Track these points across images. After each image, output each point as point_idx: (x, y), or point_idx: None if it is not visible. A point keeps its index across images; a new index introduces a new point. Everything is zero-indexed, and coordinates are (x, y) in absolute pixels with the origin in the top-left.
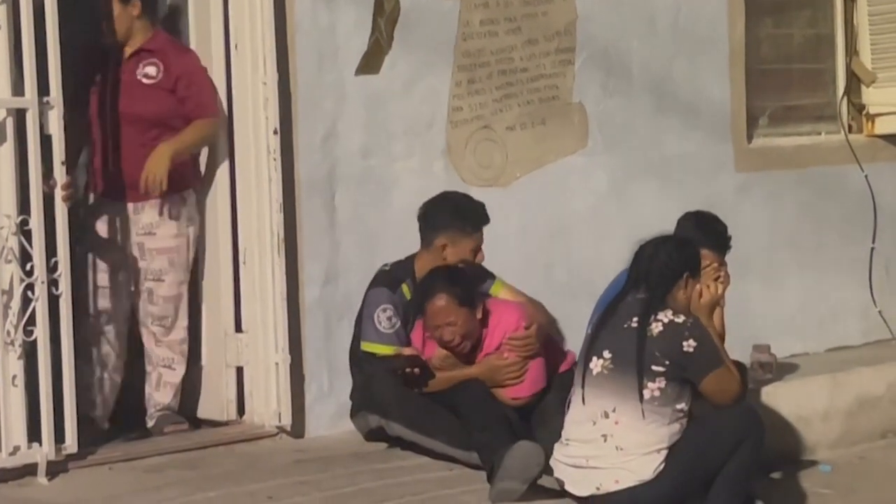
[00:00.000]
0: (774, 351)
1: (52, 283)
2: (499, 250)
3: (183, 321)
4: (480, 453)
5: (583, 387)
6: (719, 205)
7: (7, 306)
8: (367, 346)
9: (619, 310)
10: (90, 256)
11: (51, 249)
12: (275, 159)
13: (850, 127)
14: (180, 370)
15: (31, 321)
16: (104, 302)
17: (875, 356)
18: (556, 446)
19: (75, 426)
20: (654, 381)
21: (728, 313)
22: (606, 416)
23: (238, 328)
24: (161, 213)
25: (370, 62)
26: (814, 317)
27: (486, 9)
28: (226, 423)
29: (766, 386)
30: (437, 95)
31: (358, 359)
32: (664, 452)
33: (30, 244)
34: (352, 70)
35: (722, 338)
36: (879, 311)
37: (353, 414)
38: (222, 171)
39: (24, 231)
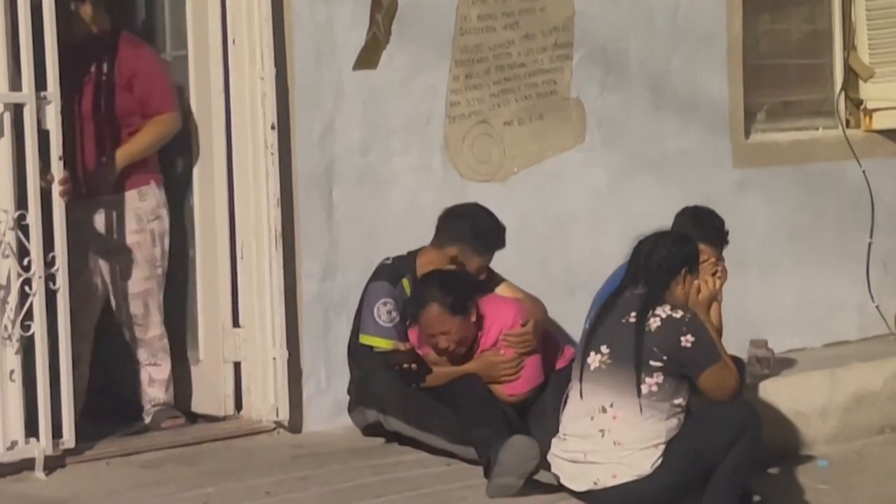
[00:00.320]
0: (772, 346)
1: (50, 277)
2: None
3: (156, 317)
4: (477, 449)
5: (581, 381)
6: (717, 200)
7: (4, 301)
8: (365, 339)
9: (617, 305)
10: None
11: (48, 244)
12: (272, 154)
13: (847, 122)
14: (166, 366)
15: (29, 316)
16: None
17: (873, 351)
18: (554, 441)
19: (73, 421)
20: (651, 376)
21: (725, 308)
22: (604, 410)
23: (236, 323)
24: (118, 211)
25: (368, 57)
26: (811, 312)
27: (483, 4)
28: (223, 419)
29: (764, 381)
30: (434, 91)
31: (356, 352)
32: (662, 447)
33: (27, 239)
34: (349, 65)
35: (719, 333)
36: (877, 307)
37: (351, 409)
38: (220, 167)
39: (21, 226)
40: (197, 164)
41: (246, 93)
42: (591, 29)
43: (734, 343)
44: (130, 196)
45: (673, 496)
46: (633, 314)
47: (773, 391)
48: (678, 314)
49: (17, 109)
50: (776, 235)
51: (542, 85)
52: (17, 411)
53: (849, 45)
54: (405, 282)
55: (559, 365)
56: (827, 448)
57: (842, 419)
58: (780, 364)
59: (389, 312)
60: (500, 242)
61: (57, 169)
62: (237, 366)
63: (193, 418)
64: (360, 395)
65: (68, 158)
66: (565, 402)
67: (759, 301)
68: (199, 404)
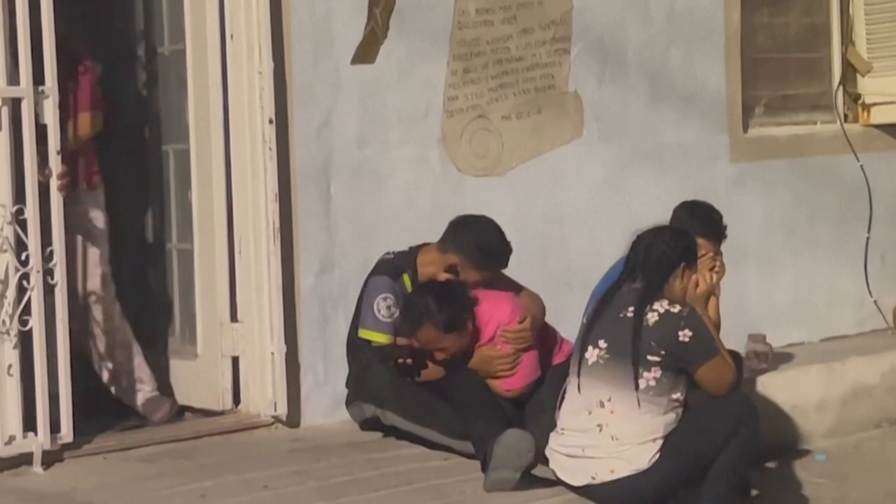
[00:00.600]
0: (770, 340)
1: (48, 272)
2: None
3: (114, 322)
4: (474, 443)
5: (578, 376)
6: (715, 194)
7: (2, 296)
8: (364, 333)
9: (614, 299)
10: None
11: (46, 239)
12: (270, 149)
13: (845, 116)
14: (139, 359)
15: (27, 310)
16: None
17: (870, 345)
18: (552, 436)
19: (71, 416)
20: (649, 370)
21: (723, 303)
22: (602, 405)
23: (234, 318)
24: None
25: (366, 52)
26: (809, 306)
27: None
28: (221, 413)
29: (762, 375)
30: (432, 85)
31: (354, 346)
32: (660, 442)
33: (25, 234)
34: (347, 59)
35: (717, 327)
36: (875, 301)
37: (349, 403)
38: (218, 161)
39: (19, 220)
40: (195, 160)
41: (244, 87)
42: (589, 23)
43: (732, 337)
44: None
45: (671, 491)
46: (631, 309)
47: (771, 385)
48: (676, 309)
49: (15, 104)
50: (774, 229)
51: (540, 79)
52: (15, 406)
53: (847, 40)
54: (406, 277)
55: (557, 360)
56: (824, 442)
57: (839, 413)
58: (778, 358)
59: (389, 307)
60: (502, 262)
61: (55, 163)
62: (235, 360)
63: (180, 412)
64: (357, 390)
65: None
66: (563, 397)
67: (756, 295)
68: (197, 398)
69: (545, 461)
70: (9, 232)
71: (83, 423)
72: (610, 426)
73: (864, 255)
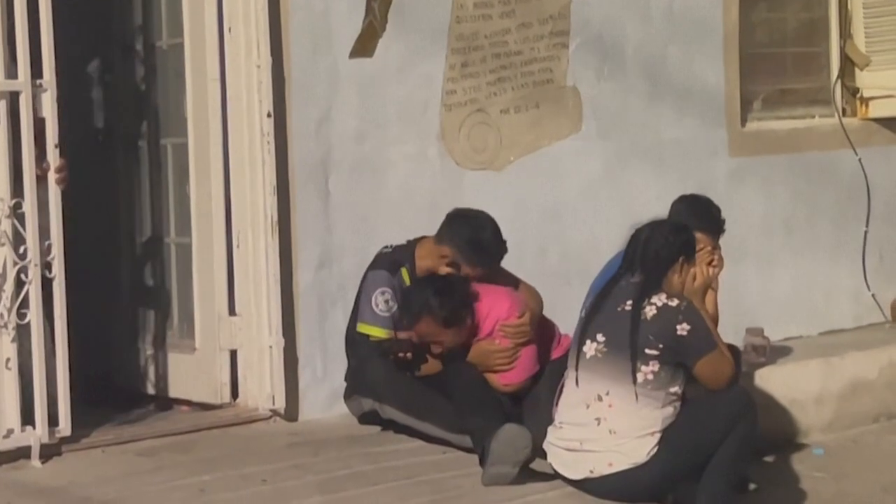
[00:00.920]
0: (768, 334)
1: (46, 265)
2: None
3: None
4: (472, 438)
5: (576, 370)
6: (713, 188)
7: (0, 289)
8: (362, 328)
9: (613, 293)
10: None
11: (44, 233)
12: (268, 143)
13: (843, 110)
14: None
15: (25, 304)
16: None
17: (868, 340)
18: (550, 429)
19: (69, 409)
20: (647, 364)
21: (722, 297)
22: (600, 399)
23: (232, 311)
24: None
25: (364, 45)
26: (807, 300)
27: None
28: (219, 407)
29: (760, 369)
30: (431, 79)
31: (353, 340)
32: (658, 436)
33: (23, 227)
34: (346, 53)
35: (715, 321)
36: (873, 295)
37: (347, 397)
38: (216, 155)
39: (17, 214)
40: (193, 154)
41: (242, 81)
42: (588, 17)
43: (730, 331)
44: None
45: (669, 484)
46: (630, 302)
47: (769, 379)
48: (674, 302)
49: (13, 97)
50: (772, 224)
51: (539, 73)
52: (13, 399)
53: (845, 34)
54: (404, 271)
55: (556, 354)
56: (822, 436)
57: (837, 407)
58: (776, 352)
59: (387, 302)
60: (495, 260)
61: (53, 157)
62: (233, 354)
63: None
64: (356, 384)
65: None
66: (561, 391)
67: (755, 289)
68: (195, 392)
69: (543, 455)
70: (6, 226)
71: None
72: (608, 420)
73: (863, 249)
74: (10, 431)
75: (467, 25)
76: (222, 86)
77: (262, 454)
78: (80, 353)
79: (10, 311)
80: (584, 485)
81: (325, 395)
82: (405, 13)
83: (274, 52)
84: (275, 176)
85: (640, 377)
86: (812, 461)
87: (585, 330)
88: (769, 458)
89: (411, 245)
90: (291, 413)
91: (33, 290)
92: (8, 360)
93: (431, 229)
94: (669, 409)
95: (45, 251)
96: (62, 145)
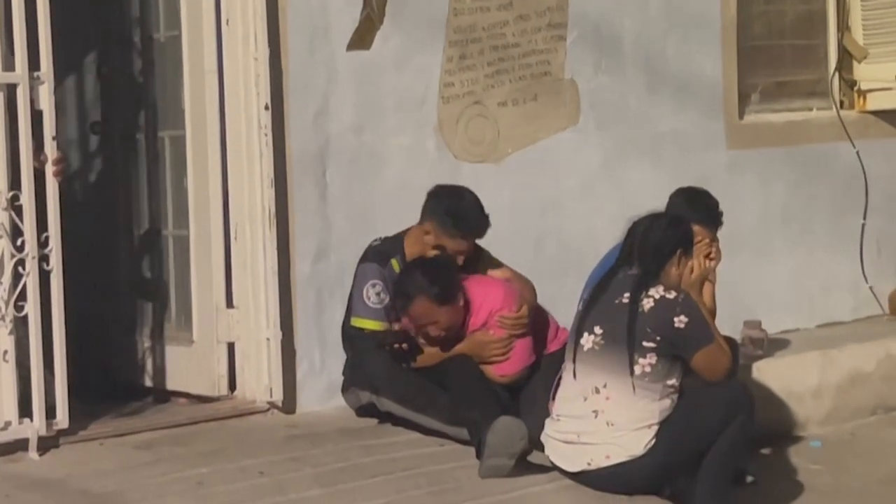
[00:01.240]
0: (765, 327)
1: (43, 258)
2: (491, 226)
3: None
4: (469, 430)
5: (574, 362)
6: (711, 181)
7: None
8: (356, 321)
9: (610, 286)
10: None
11: (42, 225)
12: (266, 135)
13: (841, 103)
14: None
15: (22, 296)
16: None
17: (866, 332)
18: (547, 422)
19: (66, 402)
20: (645, 356)
21: (719, 289)
22: (597, 391)
23: (229, 304)
24: None
25: (361, 37)
26: (805, 293)
27: None
28: (217, 399)
29: (757, 362)
30: (428, 71)
31: (349, 335)
32: (655, 428)
33: (20, 220)
34: (343, 46)
35: (713, 314)
36: (870, 287)
37: (345, 389)
38: (213, 148)
39: (14, 206)
40: (190, 146)
41: (240, 73)
42: (585, 10)
43: (728, 324)
44: None
45: (666, 476)
46: (627, 295)
47: (767, 372)
48: (672, 295)
49: (11, 89)
50: (770, 216)
51: (536, 66)
52: (11, 392)
53: (843, 26)
54: (394, 262)
55: (552, 347)
56: (820, 429)
57: (835, 400)
58: (774, 345)
59: (378, 294)
60: (474, 229)
61: (50, 149)
62: (231, 346)
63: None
64: (353, 376)
65: None
66: (558, 383)
67: (752, 282)
68: (192, 385)
69: (541, 448)
70: (4, 218)
71: (79, 406)
72: (605, 412)
73: (860, 242)
74: (8, 424)
75: (465, 18)
76: (220, 78)
77: (259, 447)
78: (78, 346)
79: (7, 303)
80: (582, 477)
81: (323, 388)
82: (403, 5)
83: (271, 45)
84: (272, 168)
85: (637, 369)
86: (809, 454)
87: (583, 322)
88: (766, 451)
89: (400, 236)
90: (289, 405)
91: (31, 283)
92: (5, 352)
93: None
94: (667, 402)
95: (43, 244)
96: (59, 138)
